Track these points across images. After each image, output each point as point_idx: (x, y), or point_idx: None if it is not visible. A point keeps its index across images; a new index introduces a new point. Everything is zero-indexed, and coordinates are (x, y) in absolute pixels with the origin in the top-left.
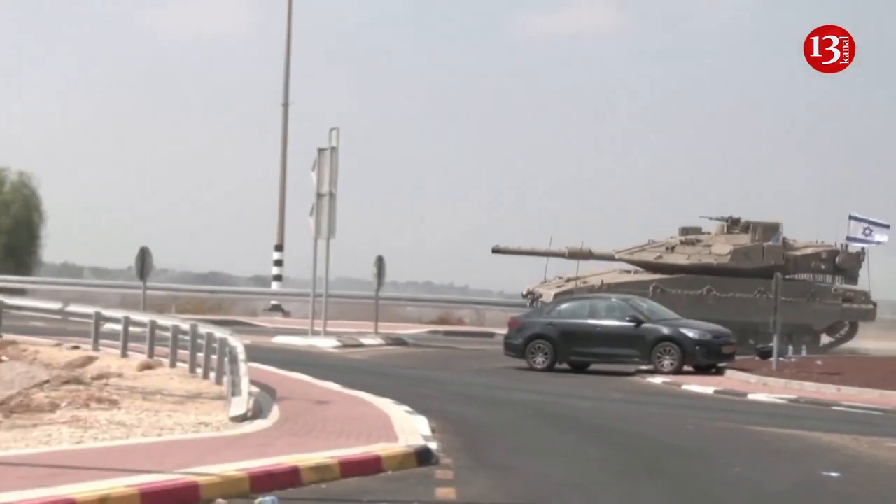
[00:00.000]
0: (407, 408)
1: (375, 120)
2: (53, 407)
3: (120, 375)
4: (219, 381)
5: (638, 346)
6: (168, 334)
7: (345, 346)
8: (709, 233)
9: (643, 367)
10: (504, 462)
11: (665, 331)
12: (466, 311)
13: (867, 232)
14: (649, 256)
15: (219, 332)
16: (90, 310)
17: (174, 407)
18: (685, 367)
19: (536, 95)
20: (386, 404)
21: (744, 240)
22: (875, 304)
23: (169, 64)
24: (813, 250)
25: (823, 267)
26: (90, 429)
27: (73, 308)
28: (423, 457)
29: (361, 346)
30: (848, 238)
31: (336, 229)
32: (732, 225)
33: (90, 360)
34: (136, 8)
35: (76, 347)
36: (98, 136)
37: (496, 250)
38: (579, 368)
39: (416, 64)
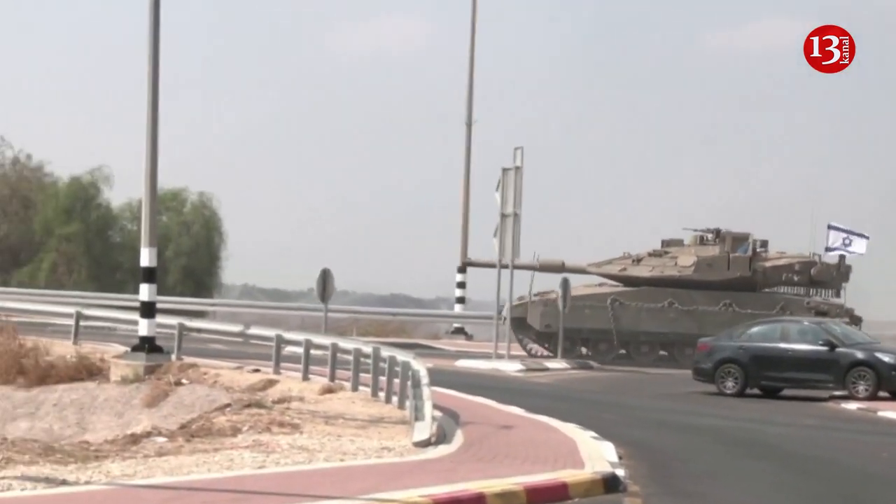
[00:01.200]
0: (593, 433)
1: (558, 138)
2: (235, 431)
3: (301, 399)
4: (401, 406)
5: (831, 370)
6: (350, 357)
7: (529, 369)
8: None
9: (837, 393)
10: (694, 489)
11: (860, 355)
12: None
13: (846, 242)
14: (614, 269)
15: (401, 356)
16: (271, 332)
17: (357, 431)
18: (881, 393)
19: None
20: (571, 429)
21: (713, 251)
22: (855, 319)
23: (349, 82)
24: (786, 261)
25: (797, 279)
26: (272, 453)
27: (253, 331)
28: (610, 484)
29: (546, 369)
30: (827, 249)
31: (520, 250)
32: (716, 237)
33: (271, 383)
34: (323, 29)
35: (257, 370)
36: (278, 157)
37: (467, 263)
38: (770, 393)
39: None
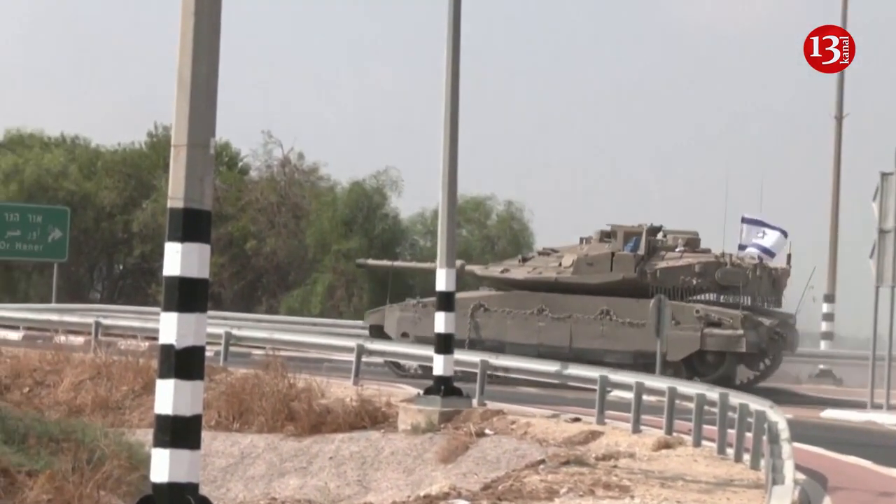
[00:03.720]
0: None
1: None
2: (551, 494)
3: (631, 455)
4: (755, 466)
5: None
6: (691, 405)
7: None
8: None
9: None
10: None
11: None
12: None
13: (760, 236)
14: (495, 271)
15: (755, 404)
16: (593, 373)
17: (699, 497)
18: None
19: None
20: None
21: (600, 249)
22: (743, 333)
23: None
24: (685, 262)
25: (696, 283)
26: None
27: (571, 370)
28: None
29: None
30: (740, 245)
31: None
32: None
33: (594, 435)
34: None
35: (577, 420)
36: (586, 162)
37: (360, 265)
38: None
39: None
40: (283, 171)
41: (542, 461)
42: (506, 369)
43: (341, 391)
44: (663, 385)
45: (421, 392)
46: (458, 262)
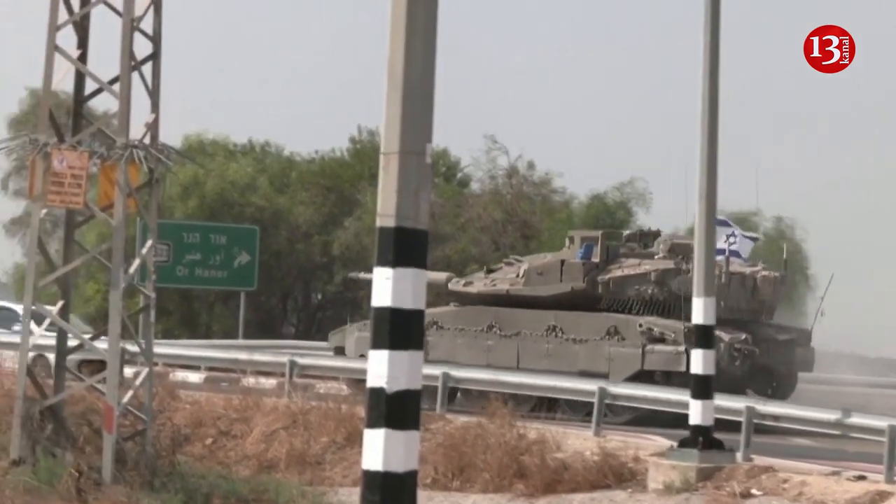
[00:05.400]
0: None
1: None
2: None
3: None
4: None
5: None
6: None
7: None
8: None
9: None
10: None
11: None
12: None
13: (731, 241)
14: (458, 285)
15: None
16: (881, 422)
17: None
18: None
19: None
20: None
21: (556, 257)
22: (686, 349)
23: None
24: (642, 269)
25: (651, 293)
26: None
27: (855, 419)
28: None
29: None
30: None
31: None
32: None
33: (882, 496)
34: None
35: (861, 478)
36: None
37: (352, 278)
38: None
39: None
40: (509, 182)
41: None
42: (775, 417)
43: (580, 443)
44: None
45: (675, 445)
46: (445, 275)
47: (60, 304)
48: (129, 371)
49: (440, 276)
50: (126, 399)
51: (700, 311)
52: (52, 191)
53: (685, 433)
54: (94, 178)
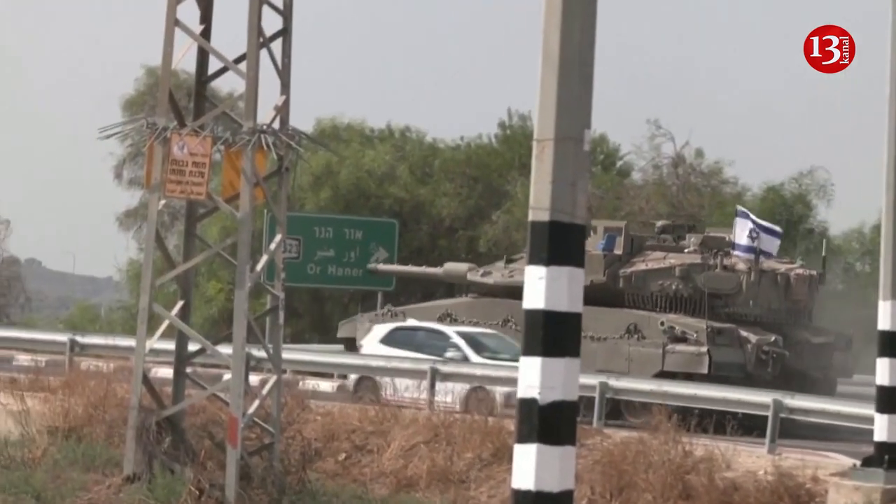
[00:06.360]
0: None
1: None
2: None
3: None
4: None
5: None
6: None
7: None
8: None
9: None
10: None
11: None
12: None
13: (754, 235)
14: (475, 275)
15: None
16: None
17: None
18: None
19: None
20: None
21: (586, 246)
22: (708, 350)
23: None
24: (667, 263)
25: (675, 288)
26: None
27: None
28: None
29: None
30: (735, 245)
31: None
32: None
33: None
34: None
35: None
36: None
37: (371, 270)
38: None
39: None
40: (675, 172)
41: None
42: None
43: (752, 461)
44: None
45: (857, 463)
46: (466, 266)
47: (180, 304)
48: (254, 379)
49: (461, 266)
50: (252, 410)
51: (887, 316)
52: (172, 180)
53: (869, 450)
54: (217, 166)
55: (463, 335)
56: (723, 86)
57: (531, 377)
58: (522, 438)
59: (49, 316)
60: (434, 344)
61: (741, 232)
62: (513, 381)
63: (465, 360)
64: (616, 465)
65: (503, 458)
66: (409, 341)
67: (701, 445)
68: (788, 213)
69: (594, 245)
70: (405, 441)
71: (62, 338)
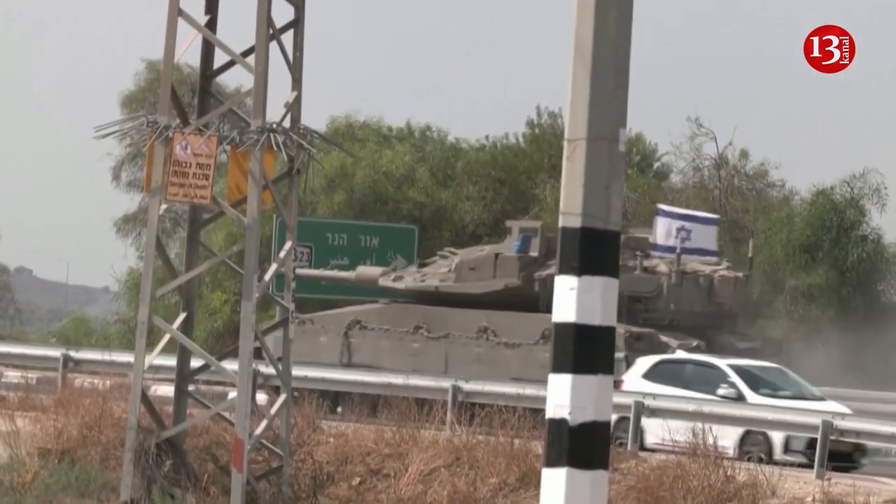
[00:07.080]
0: None
1: None
2: None
3: None
4: None
5: None
6: None
7: None
8: None
9: None
10: None
11: None
12: None
13: (683, 235)
14: (387, 280)
15: None
16: None
17: None
18: None
19: None
20: None
21: (492, 250)
22: (627, 356)
23: None
24: None
25: None
26: None
27: None
28: None
29: None
30: (656, 246)
31: None
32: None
33: None
34: None
35: None
36: None
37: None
38: None
39: None
40: (717, 175)
41: None
42: None
43: (798, 487)
44: None
45: None
46: (379, 270)
47: (182, 316)
48: (261, 397)
49: (373, 270)
50: (259, 431)
51: None
52: (174, 183)
53: None
54: (222, 167)
55: (737, 369)
56: (769, 80)
57: (561, 396)
58: (551, 462)
59: (40, 329)
60: (705, 379)
61: (662, 231)
62: (792, 426)
63: (740, 398)
64: (652, 492)
65: (530, 483)
66: (677, 376)
67: (744, 470)
68: (839, 219)
69: (508, 247)
70: (424, 465)
71: (55, 353)
